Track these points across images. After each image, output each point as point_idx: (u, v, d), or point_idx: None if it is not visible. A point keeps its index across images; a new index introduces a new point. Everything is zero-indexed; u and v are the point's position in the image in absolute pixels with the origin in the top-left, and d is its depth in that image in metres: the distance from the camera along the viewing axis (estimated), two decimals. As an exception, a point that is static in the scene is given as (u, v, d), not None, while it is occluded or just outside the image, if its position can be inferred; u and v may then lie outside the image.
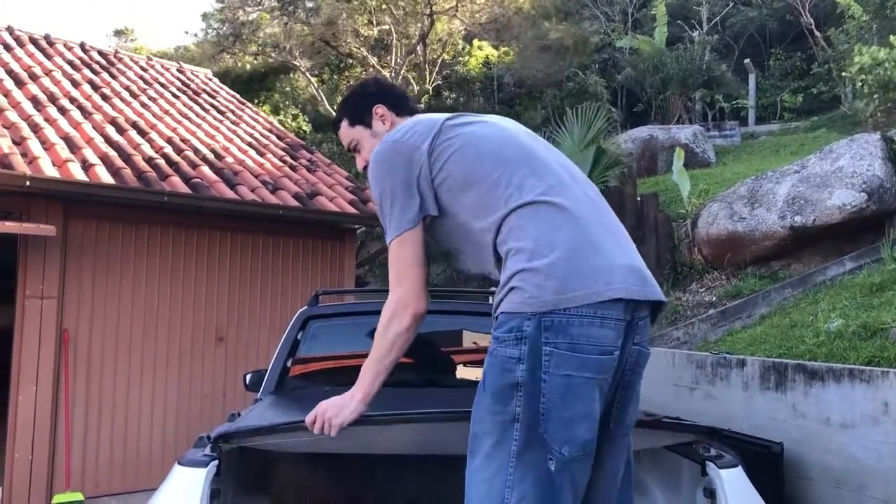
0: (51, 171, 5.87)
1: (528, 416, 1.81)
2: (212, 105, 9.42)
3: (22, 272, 6.10)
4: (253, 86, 18.37)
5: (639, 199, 10.70)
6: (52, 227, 5.85)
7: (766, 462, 5.33)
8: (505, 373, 1.83)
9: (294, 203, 7.15)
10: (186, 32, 44.55)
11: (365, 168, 2.28)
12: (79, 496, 5.88)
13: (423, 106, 16.50)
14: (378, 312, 3.88)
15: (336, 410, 2.07)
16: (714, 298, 9.08)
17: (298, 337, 3.91)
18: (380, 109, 2.35)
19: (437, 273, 12.19)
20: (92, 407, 6.39)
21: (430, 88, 16.36)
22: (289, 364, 3.87)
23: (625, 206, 10.64)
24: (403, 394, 3.74)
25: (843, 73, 12.88)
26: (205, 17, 17.87)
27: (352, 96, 2.44)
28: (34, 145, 6.18)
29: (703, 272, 9.91)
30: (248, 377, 4.19)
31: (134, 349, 6.63)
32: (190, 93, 9.55)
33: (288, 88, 18.98)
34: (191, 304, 6.95)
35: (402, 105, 2.39)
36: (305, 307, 4.01)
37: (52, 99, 7.45)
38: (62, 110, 7.26)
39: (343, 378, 4.19)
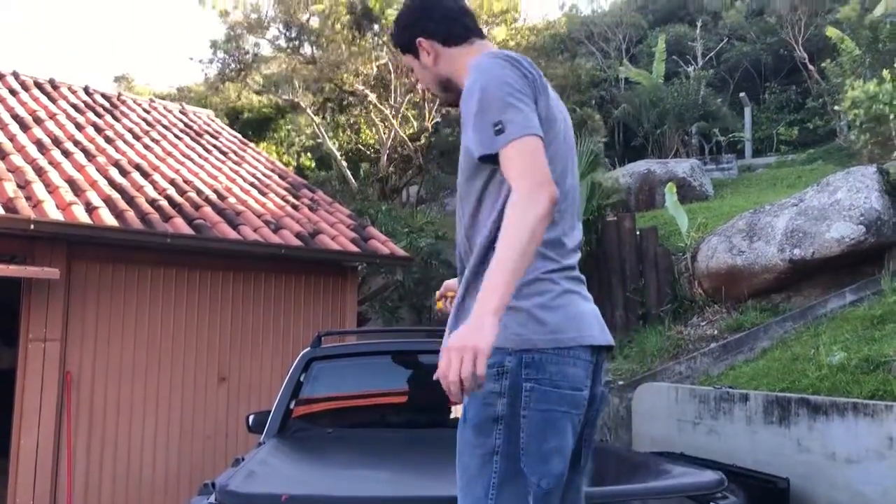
0: (55, 215, 5.93)
1: (507, 449, 1.86)
2: (214, 146, 9.52)
3: (25, 315, 6.13)
4: (258, 126, 18.57)
5: (638, 233, 10.74)
6: (56, 269, 5.89)
7: (772, 498, 5.30)
8: (486, 406, 1.87)
9: (296, 242, 7.19)
10: (191, 59, 44.85)
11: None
12: (81, 540, 5.84)
13: (423, 143, 16.65)
14: (381, 353, 3.90)
15: (472, 341, 1.65)
16: (715, 332, 9.07)
17: (301, 379, 3.93)
18: (424, 43, 2.18)
19: (429, 305, 12.20)
20: (94, 449, 6.37)
21: (430, 126, 16.50)
22: (292, 406, 3.88)
23: (624, 240, 10.67)
24: (405, 439, 3.75)
25: (836, 108, 13.02)
26: (214, 45, 18.02)
27: (396, 24, 2.26)
28: (39, 189, 6.24)
29: (703, 306, 9.91)
30: (251, 419, 4.20)
31: (136, 391, 6.63)
32: (192, 134, 9.65)
33: (290, 126, 19.15)
34: (193, 344, 6.96)
35: (451, 33, 2.18)
36: (308, 349, 4.03)
37: (57, 142, 7.53)
38: (66, 153, 7.33)
39: (347, 419, 4.23)
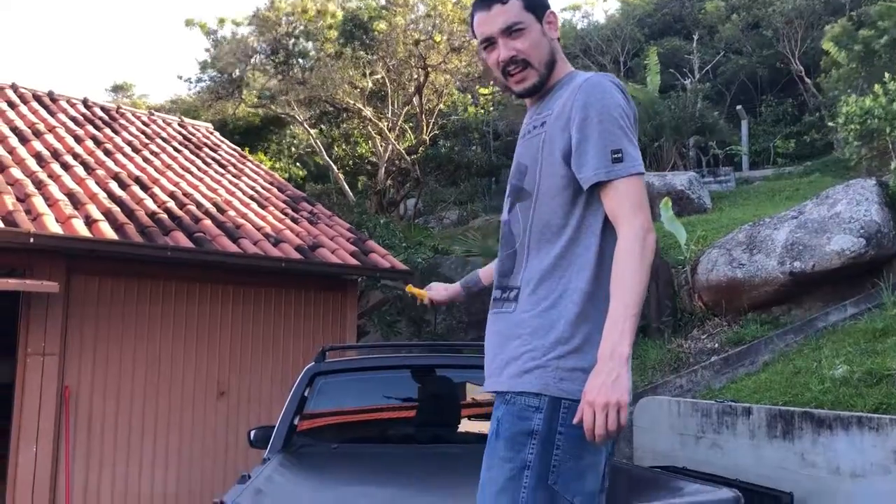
0: (54, 228, 5.89)
1: (539, 466, 1.85)
2: (213, 159, 9.50)
3: (24, 329, 6.08)
4: (251, 137, 18.54)
5: (638, 245, 10.72)
6: (56, 283, 5.85)
7: (776, 513, 5.26)
8: (521, 420, 1.88)
9: (296, 255, 7.16)
10: (180, 77, 44.92)
11: (504, 62, 2.03)
12: (79, 558, 5.77)
13: (419, 156, 16.66)
14: (386, 367, 3.87)
15: (615, 396, 1.71)
16: (716, 345, 9.06)
17: (305, 394, 3.89)
18: (552, 17, 2.10)
19: (438, 321, 12.17)
20: (93, 464, 6.31)
21: (427, 139, 16.52)
22: (296, 421, 3.84)
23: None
24: (410, 455, 3.71)
25: (830, 124, 13.05)
26: (203, 66, 18.08)
27: None
28: (38, 202, 6.21)
29: (703, 319, 9.90)
30: (253, 434, 4.17)
31: (135, 405, 6.58)
32: (191, 147, 9.64)
33: (287, 136, 19.16)
34: (192, 358, 6.91)
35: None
36: (312, 363, 4.00)
37: (56, 155, 7.50)
38: (66, 166, 7.30)
39: (351, 434, 4.19)
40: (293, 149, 19.34)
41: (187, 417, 6.83)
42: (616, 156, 1.87)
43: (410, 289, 2.60)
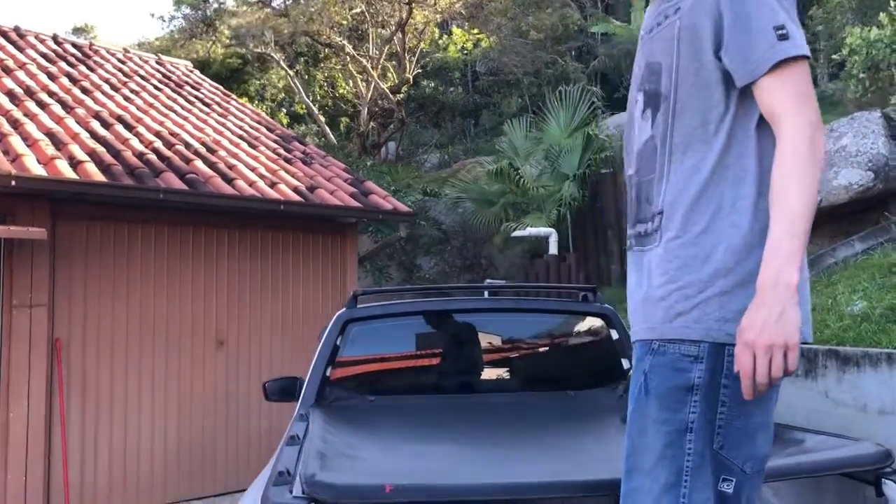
0: (37, 170, 5.44)
1: (702, 425, 1.55)
2: (196, 97, 8.98)
3: (7, 279, 5.66)
4: (229, 82, 17.85)
5: (635, 185, 10.49)
6: (42, 229, 5.43)
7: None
8: (677, 373, 1.57)
9: (295, 197, 6.78)
10: (153, 15, 43.04)
11: None
12: (81, 518, 5.49)
13: (403, 95, 16.15)
14: (425, 313, 3.56)
15: (781, 337, 1.40)
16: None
17: (337, 342, 3.58)
18: None
19: (431, 266, 11.88)
20: (88, 420, 5.98)
21: (411, 78, 15.98)
22: (328, 372, 3.54)
23: (621, 193, 10.44)
24: (459, 406, 3.44)
25: (829, 57, 12.79)
26: (177, 1, 17.23)
27: None
28: (16, 142, 5.73)
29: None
30: (269, 386, 3.85)
31: (131, 357, 6.23)
32: (172, 85, 9.09)
33: (263, 82, 18.46)
34: (188, 306, 6.55)
35: None
36: (343, 309, 3.68)
37: (30, 93, 6.98)
38: (41, 105, 6.79)
39: (388, 383, 3.91)
40: (273, 91, 18.65)
41: (185, 368, 6.50)
42: (780, 32, 1.52)
43: None
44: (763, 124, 1.57)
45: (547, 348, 4.03)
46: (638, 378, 1.65)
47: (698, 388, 1.55)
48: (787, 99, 1.50)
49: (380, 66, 15.96)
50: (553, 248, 9.68)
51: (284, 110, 18.22)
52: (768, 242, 1.46)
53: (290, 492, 1.95)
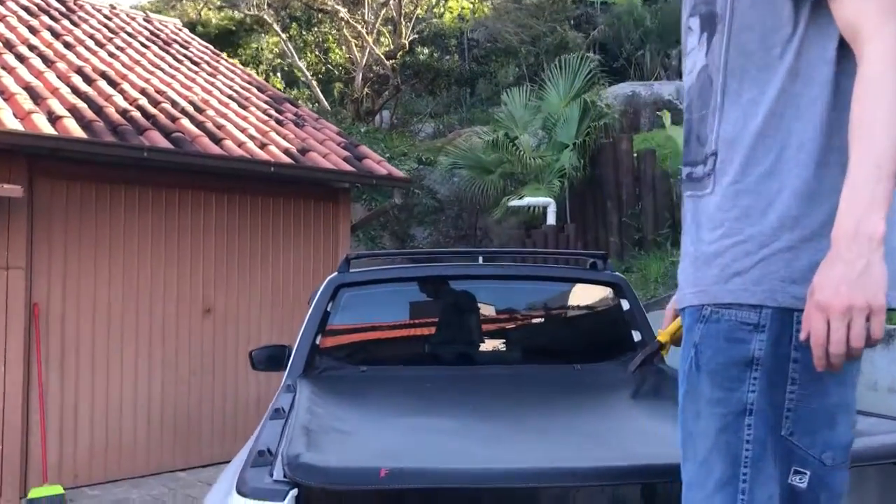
0: (13, 124, 5.14)
1: (765, 407, 1.29)
2: (185, 56, 8.64)
3: (-18, 240, 5.38)
4: (218, 44, 17.40)
5: (635, 155, 10.24)
6: (19, 187, 5.14)
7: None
8: (733, 344, 1.31)
9: (286, 159, 6.49)
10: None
11: None
12: (58, 489, 5.25)
13: (398, 62, 15.77)
14: (423, 279, 3.32)
15: (862, 297, 1.15)
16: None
17: (328, 308, 3.33)
18: None
19: (424, 236, 11.62)
20: (68, 389, 5.73)
21: (407, 43, 15.59)
22: (318, 340, 3.29)
23: (621, 162, 10.18)
24: (456, 378, 3.21)
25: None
26: None
27: None
28: (-8, 95, 5.44)
29: (705, 231, 9.54)
30: (255, 354, 3.61)
31: (113, 323, 5.97)
32: (160, 43, 8.74)
33: (255, 45, 18.02)
34: (174, 271, 6.29)
35: None
36: (335, 274, 3.42)
37: (9, 46, 6.64)
38: (21, 58, 6.47)
39: (382, 353, 3.67)
40: (268, 56, 18.20)
41: (170, 336, 6.25)
42: None
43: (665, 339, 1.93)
44: (841, 46, 1.30)
45: (552, 319, 3.80)
46: (688, 352, 1.39)
47: (759, 361, 1.29)
48: (872, 11, 1.22)
49: (375, 31, 15.56)
50: (551, 219, 9.44)
51: (279, 75, 17.80)
52: (847, 185, 1.20)
53: (271, 475, 1.70)
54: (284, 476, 1.66)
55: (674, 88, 14.49)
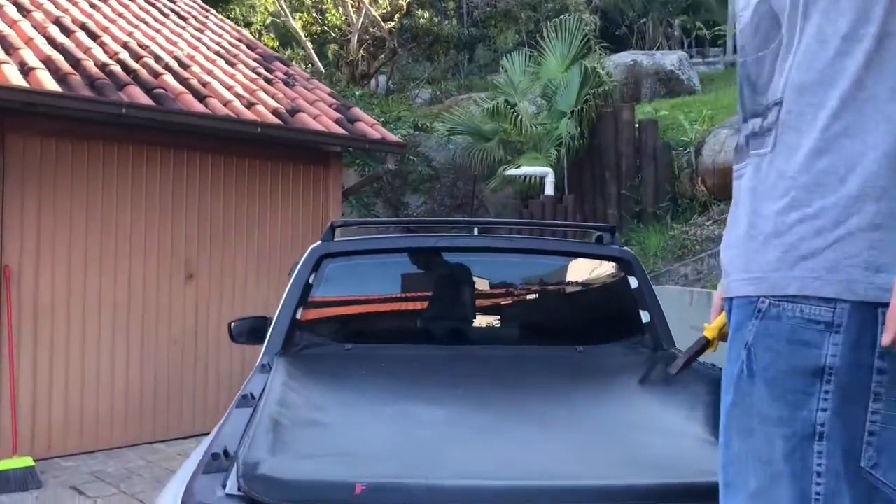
0: (-19, 75, 4.83)
1: (839, 430, 1.02)
2: (171, 10, 8.26)
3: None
4: (212, 2, 16.91)
5: (637, 125, 9.95)
6: (-14, 142, 4.84)
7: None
8: (798, 347, 1.04)
9: (274, 120, 6.18)
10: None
11: None
12: (28, 461, 5.00)
13: (394, 24, 15.35)
14: (413, 250, 3.04)
15: None
16: (723, 232, 8.47)
17: (310, 280, 3.06)
18: None
19: (419, 205, 11.33)
20: (41, 356, 5.47)
21: (404, 5, 15.15)
22: (298, 315, 3.02)
23: (622, 132, 9.89)
24: (448, 359, 2.95)
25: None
26: None
27: None
28: (-41, 44, 5.11)
29: (706, 204, 9.30)
30: (235, 326, 3.35)
31: (89, 288, 5.69)
32: (145, -5, 8.37)
33: (248, 2, 17.52)
34: (155, 235, 6.00)
35: None
36: (319, 243, 3.14)
37: (-19, -7, 6.29)
38: (-7, 6, 6.12)
39: (368, 329, 3.41)
40: (262, 16, 17.70)
41: (150, 302, 5.98)
42: None
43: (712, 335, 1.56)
44: None
45: (553, 296, 3.54)
46: (738, 354, 1.12)
47: (832, 371, 1.02)
48: None
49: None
50: (549, 189, 9.17)
51: (273, 34, 17.33)
52: None
53: (224, 485, 1.43)
54: (239, 489, 1.39)
55: (676, 58, 14.21)
